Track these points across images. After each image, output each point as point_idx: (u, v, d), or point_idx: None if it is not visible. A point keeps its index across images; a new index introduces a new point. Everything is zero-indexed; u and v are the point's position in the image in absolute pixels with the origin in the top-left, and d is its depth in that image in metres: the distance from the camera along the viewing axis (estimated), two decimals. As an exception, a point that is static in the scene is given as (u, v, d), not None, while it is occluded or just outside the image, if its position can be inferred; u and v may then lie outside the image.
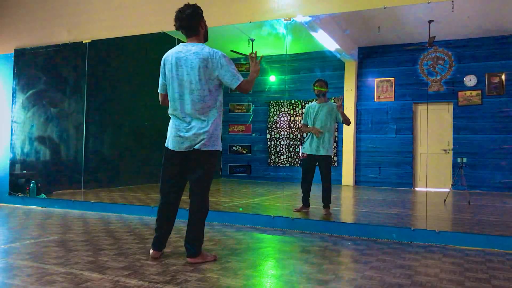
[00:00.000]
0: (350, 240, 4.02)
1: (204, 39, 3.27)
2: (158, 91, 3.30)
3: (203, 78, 3.06)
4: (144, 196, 6.81)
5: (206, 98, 3.08)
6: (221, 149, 3.22)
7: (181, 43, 3.20)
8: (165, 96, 3.26)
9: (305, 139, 5.31)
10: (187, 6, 3.15)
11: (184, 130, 3.10)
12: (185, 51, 3.11)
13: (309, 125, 5.22)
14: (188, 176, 3.19)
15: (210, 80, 3.08)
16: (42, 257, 3.18)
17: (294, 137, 9.42)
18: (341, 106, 5.06)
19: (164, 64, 3.20)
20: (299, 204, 5.23)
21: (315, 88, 5.21)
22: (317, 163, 5.20)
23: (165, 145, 3.23)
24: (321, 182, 5.12)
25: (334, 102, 5.21)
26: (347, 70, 8.87)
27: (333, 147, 5.24)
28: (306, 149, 5.22)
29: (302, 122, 5.40)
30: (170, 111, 3.19)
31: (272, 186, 8.82)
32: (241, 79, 3.12)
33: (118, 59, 7.24)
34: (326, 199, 5.06)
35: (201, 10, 3.20)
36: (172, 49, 3.20)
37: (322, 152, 5.09)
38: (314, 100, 5.42)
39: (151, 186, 7.39)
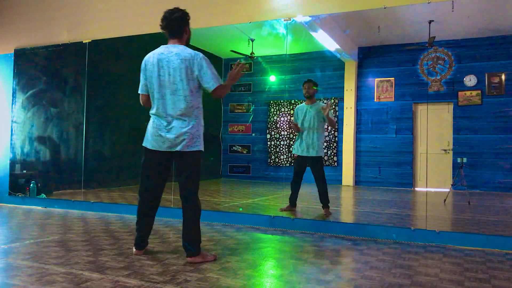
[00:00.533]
0: (350, 240, 4.02)
1: (186, 44, 3.29)
2: (139, 92, 3.30)
3: (184, 79, 3.08)
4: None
5: (188, 98, 3.10)
6: (203, 149, 3.21)
7: (162, 45, 3.23)
8: (147, 97, 3.26)
9: (295, 140, 5.31)
10: (177, 9, 3.22)
11: (165, 130, 3.11)
12: (166, 53, 3.14)
13: (299, 126, 5.23)
14: (177, 178, 3.22)
15: (191, 81, 3.10)
16: (42, 257, 3.18)
17: (294, 137, 9.42)
18: (326, 110, 5.02)
19: (145, 66, 3.22)
20: (299, 204, 5.23)
21: (304, 89, 5.20)
22: (308, 164, 5.19)
23: (143, 144, 3.24)
24: (316, 183, 5.11)
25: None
26: (347, 70, 8.87)
27: (324, 146, 5.25)
28: (296, 149, 5.24)
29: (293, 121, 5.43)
30: (152, 111, 3.21)
31: (272, 186, 8.82)
32: (218, 83, 3.12)
33: (118, 59, 7.25)
34: (324, 199, 5.05)
35: (189, 16, 3.28)
36: (154, 51, 3.23)
37: (312, 153, 5.10)
38: (303, 101, 5.39)
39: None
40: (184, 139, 3.09)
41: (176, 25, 3.19)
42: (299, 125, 5.21)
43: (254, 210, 5.71)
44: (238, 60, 3.30)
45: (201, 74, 3.10)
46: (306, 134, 5.12)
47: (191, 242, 3.11)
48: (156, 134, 3.15)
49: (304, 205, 5.70)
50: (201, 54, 3.14)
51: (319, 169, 5.10)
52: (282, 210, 5.09)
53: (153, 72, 3.14)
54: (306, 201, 5.98)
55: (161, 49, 3.19)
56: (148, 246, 3.44)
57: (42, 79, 6.76)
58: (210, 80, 3.10)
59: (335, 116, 8.95)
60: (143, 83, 3.26)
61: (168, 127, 3.11)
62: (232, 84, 3.31)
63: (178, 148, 3.11)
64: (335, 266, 3.14)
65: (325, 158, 8.91)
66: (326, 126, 5.44)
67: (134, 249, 3.34)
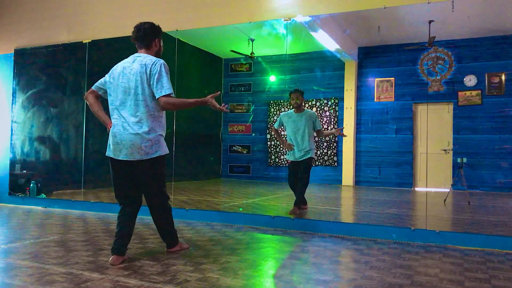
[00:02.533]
0: (350, 240, 4.02)
1: (156, 56, 3.26)
2: (92, 87, 3.29)
3: (140, 84, 3.06)
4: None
5: (147, 102, 3.06)
6: (166, 152, 3.16)
7: (131, 55, 3.24)
8: (94, 93, 3.26)
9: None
10: (147, 22, 3.26)
11: (122, 136, 3.05)
12: (131, 61, 3.17)
13: (287, 133, 5.22)
14: (140, 184, 3.19)
15: (148, 86, 3.06)
16: (42, 257, 3.18)
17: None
18: (338, 132, 5.38)
19: (111, 73, 3.22)
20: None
21: (293, 100, 5.13)
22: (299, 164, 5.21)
23: (106, 154, 3.18)
24: (298, 177, 5.10)
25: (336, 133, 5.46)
26: (347, 70, 8.87)
27: (315, 147, 5.28)
28: (290, 156, 5.23)
29: (274, 126, 5.40)
30: (112, 119, 3.16)
31: (272, 186, 8.82)
32: (168, 92, 3.02)
33: (118, 59, 7.25)
34: (299, 198, 5.02)
35: (160, 30, 3.30)
36: (122, 61, 3.25)
37: (306, 156, 5.11)
38: (290, 108, 5.32)
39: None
40: (141, 147, 3.02)
41: (143, 36, 3.22)
42: (288, 132, 5.21)
43: (254, 210, 5.71)
44: (226, 106, 3.24)
45: (154, 78, 3.03)
46: (299, 142, 5.11)
47: (170, 236, 3.39)
48: (114, 142, 3.09)
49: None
50: (162, 61, 3.11)
51: (306, 167, 5.09)
52: (292, 213, 4.92)
53: (117, 80, 3.14)
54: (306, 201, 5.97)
55: (128, 58, 3.22)
56: (146, 248, 3.43)
57: (42, 79, 6.76)
58: (160, 88, 3.02)
59: (335, 116, 8.96)
60: (100, 82, 3.26)
61: (125, 133, 3.04)
62: (197, 106, 3.21)
63: (137, 157, 3.04)
64: (335, 266, 3.14)
65: (325, 158, 8.92)
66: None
67: (111, 257, 3.05)
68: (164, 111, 3.20)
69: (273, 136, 9.57)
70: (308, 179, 5.09)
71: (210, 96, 3.15)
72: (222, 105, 3.23)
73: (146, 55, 3.18)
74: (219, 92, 3.28)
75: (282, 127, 5.31)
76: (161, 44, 3.34)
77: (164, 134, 3.19)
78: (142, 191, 3.24)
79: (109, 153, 3.14)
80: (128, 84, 3.09)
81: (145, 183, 3.18)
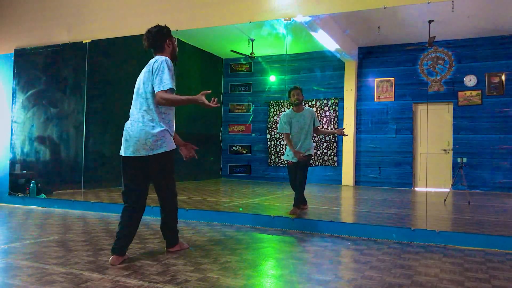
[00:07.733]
0: (350, 240, 4.02)
1: (172, 57, 3.29)
2: None
3: (146, 83, 3.14)
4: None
5: (149, 100, 3.11)
6: (172, 147, 3.16)
7: None
8: None
9: (287, 147, 5.24)
10: (155, 26, 3.32)
11: (129, 132, 3.11)
12: (147, 66, 3.26)
13: (290, 132, 5.16)
14: (151, 180, 3.25)
15: (152, 82, 3.14)
16: (42, 257, 3.18)
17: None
18: (340, 132, 5.20)
19: None
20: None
21: (293, 96, 5.07)
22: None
23: (120, 152, 3.21)
24: (297, 177, 5.07)
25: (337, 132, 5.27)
26: (347, 70, 8.88)
27: (314, 144, 5.23)
28: (289, 156, 5.16)
29: (284, 132, 5.14)
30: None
31: (272, 186, 8.82)
32: (166, 87, 3.03)
33: (118, 59, 7.25)
34: (298, 198, 5.00)
35: (168, 30, 3.33)
36: None
37: (306, 153, 5.09)
38: (293, 106, 5.18)
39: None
40: (146, 142, 3.05)
41: (155, 41, 3.27)
42: (290, 132, 5.13)
43: (254, 210, 5.70)
44: (215, 99, 3.18)
45: (156, 74, 3.09)
46: (301, 141, 5.07)
47: (172, 236, 3.39)
48: (124, 139, 3.16)
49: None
50: (164, 58, 3.14)
51: (305, 166, 5.06)
52: (292, 213, 4.88)
53: (135, 84, 3.28)
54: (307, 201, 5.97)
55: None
56: (146, 248, 3.42)
57: (42, 79, 6.76)
58: (159, 83, 3.05)
59: (335, 116, 8.96)
60: None
61: (132, 129, 3.10)
62: (189, 104, 3.19)
63: (143, 153, 3.07)
64: (335, 266, 3.14)
65: (325, 158, 8.92)
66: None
67: (111, 256, 3.03)
68: (173, 109, 3.24)
69: (273, 136, 9.57)
70: (305, 177, 5.04)
71: (201, 93, 3.12)
72: (212, 99, 3.10)
73: (157, 56, 3.24)
74: (209, 91, 3.19)
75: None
76: (174, 42, 3.36)
77: (170, 131, 3.19)
78: (147, 190, 3.27)
79: (121, 151, 3.21)
80: (139, 85, 3.22)
81: (153, 179, 3.22)
